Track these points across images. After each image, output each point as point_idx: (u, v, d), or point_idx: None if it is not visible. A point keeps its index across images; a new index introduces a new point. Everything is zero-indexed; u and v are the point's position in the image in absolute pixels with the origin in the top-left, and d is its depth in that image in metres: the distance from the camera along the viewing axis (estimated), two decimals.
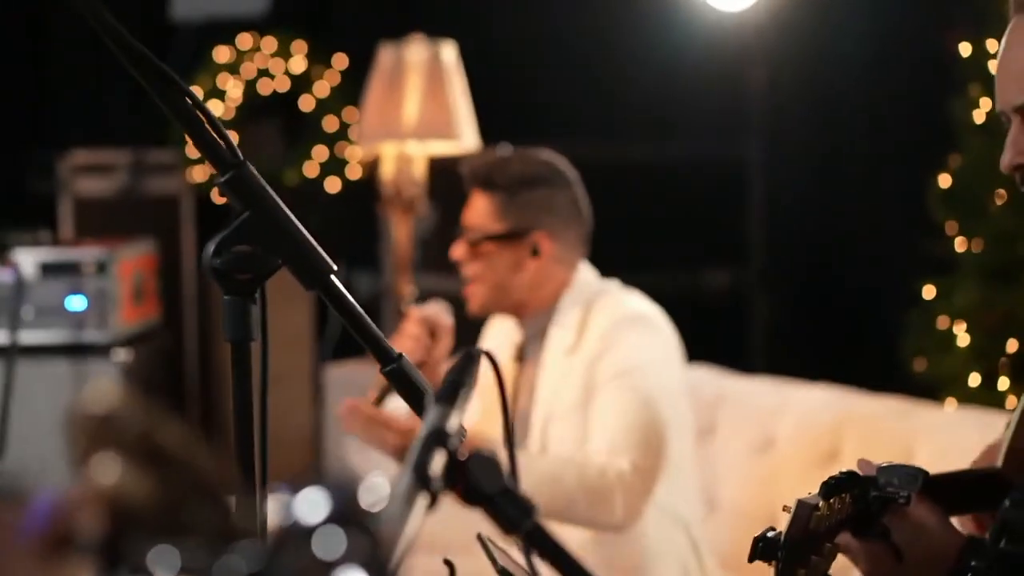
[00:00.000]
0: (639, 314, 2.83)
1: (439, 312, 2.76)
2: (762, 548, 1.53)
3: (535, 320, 2.88)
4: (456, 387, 1.04)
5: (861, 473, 1.60)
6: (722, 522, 3.22)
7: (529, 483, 2.60)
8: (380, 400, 2.65)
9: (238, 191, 1.24)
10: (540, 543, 1.01)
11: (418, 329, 2.72)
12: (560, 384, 2.81)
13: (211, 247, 1.23)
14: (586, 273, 2.92)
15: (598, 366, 2.75)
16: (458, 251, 2.86)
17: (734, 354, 4.97)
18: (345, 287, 4.45)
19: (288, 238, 1.24)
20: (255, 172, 1.23)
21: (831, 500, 1.54)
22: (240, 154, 1.23)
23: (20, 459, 4.33)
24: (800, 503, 1.53)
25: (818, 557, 1.54)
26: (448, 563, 2.03)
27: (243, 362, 1.20)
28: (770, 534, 1.53)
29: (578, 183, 2.94)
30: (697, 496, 2.94)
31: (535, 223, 2.83)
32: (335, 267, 1.26)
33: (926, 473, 1.62)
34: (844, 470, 1.58)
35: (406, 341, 2.72)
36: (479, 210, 2.86)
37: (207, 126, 1.24)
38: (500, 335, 3.02)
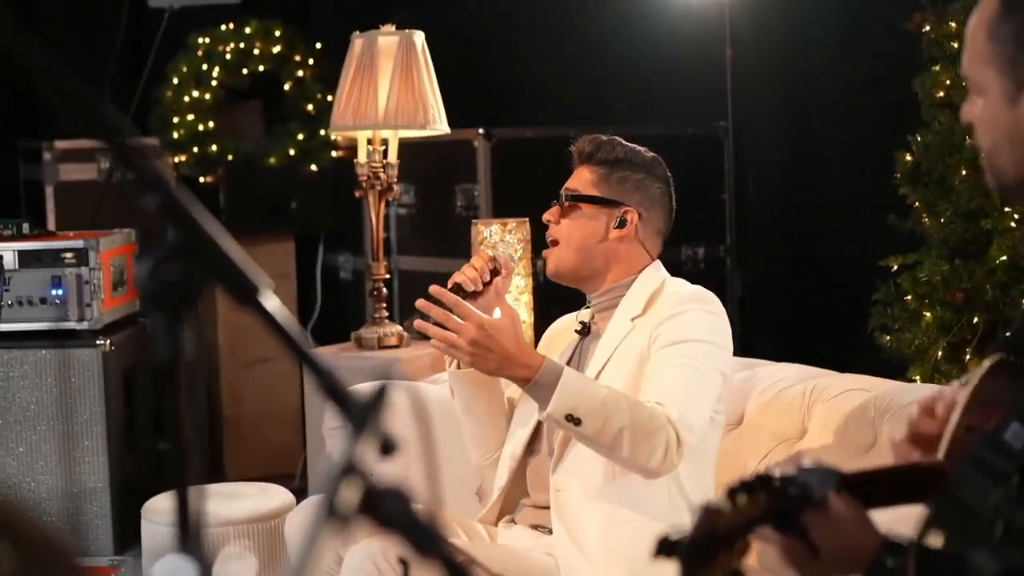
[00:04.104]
0: (709, 297, 2.96)
1: (506, 256, 3.03)
2: (665, 548, 1.57)
3: (607, 295, 3.05)
4: (367, 417, 1.09)
5: (778, 472, 1.65)
6: None
7: (585, 407, 2.69)
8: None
9: (171, 214, 1.28)
10: (451, 567, 1.07)
11: (481, 264, 2.98)
12: (620, 342, 2.95)
13: (144, 269, 1.27)
14: (660, 264, 3.10)
15: (659, 330, 2.88)
16: (550, 212, 3.07)
17: None
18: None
19: (220, 259, 1.28)
20: (187, 194, 1.27)
21: (737, 501, 1.59)
22: (171, 179, 1.28)
23: (4, 446, 4.39)
24: (705, 509, 1.58)
25: (726, 554, 1.59)
26: (403, 562, 2.09)
27: (176, 382, 1.24)
28: (673, 536, 1.57)
29: (671, 185, 3.14)
30: (712, 490, 3.00)
31: (628, 198, 3.04)
32: (269, 284, 1.31)
33: (842, 475, 1.67)
34: (756, 473, 1.64)
35: (468, 271, 2.98)
36: (579, 179, 3.07)
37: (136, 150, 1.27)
38: (558, 332, 3.21)
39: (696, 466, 2.90)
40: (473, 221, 4.16)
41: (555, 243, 3.06)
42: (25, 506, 0.78)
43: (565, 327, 3.18)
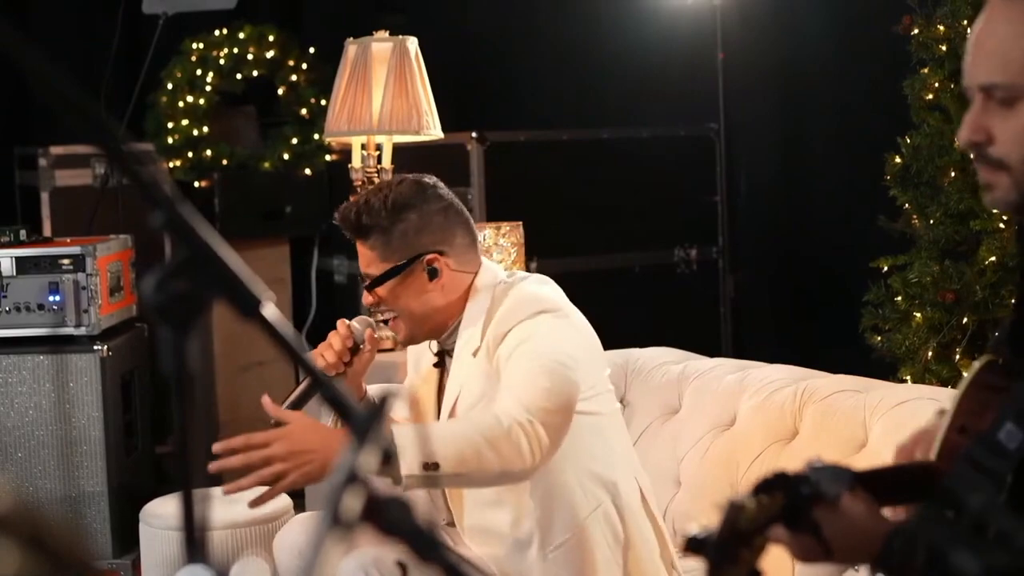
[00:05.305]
0: (534, 296, 2.82)
1: (366, 327, 2.86)
2: (693, 546, 1.61)
3: (451, 331, 2.91)
4: (369, 427, 1.12)
5: (792, 472, 1.68)
6: (684, 499, 3.29)
7: (432, 449, 2.50)
8: (297, 404, 2.79)
9: (176, 228, 1.30)
10: (452, 574, 1.10)
11: (340, 344, 2.83)
12: (466, 382, 2.82)
13: (151, 284, 1.29)
14: (487, 273, 2.92)
15: (498, 351, 2.75)
16: (367, 299, 2.88)
17: (704, 328, 5.06)
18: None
19: (224, 273, 1.30)
20: (192, 208, 1.30)
21: (760, 499, 1.63)
22: (176, 192, 1.30)
23: (2, 451, 4.41)
24: (730, 504, 1.62)
25: (747, 551, 1.62)
26: (401, 565, 2.11)
27: (185, 393, 1.26)
28: (701, 535, 1.60)
29: (440, 185, 2.92)
30: (628, 462, 2.94)
31: (419, 248, 2.83)
32: (271, 296, 1.34)
33: (854, 474, 1.70)
34: (775, 471, 1.67)
35: (328, 354, 2.84)
36: (366, 258, 2.87)
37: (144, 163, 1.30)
38: (423, 353, 3.06)
39: (594, 442, 2.83)
40: None
41: (394, 317, 2.88)
42: (46, 515, 0.81)
43: (427, 353, 3.04)
